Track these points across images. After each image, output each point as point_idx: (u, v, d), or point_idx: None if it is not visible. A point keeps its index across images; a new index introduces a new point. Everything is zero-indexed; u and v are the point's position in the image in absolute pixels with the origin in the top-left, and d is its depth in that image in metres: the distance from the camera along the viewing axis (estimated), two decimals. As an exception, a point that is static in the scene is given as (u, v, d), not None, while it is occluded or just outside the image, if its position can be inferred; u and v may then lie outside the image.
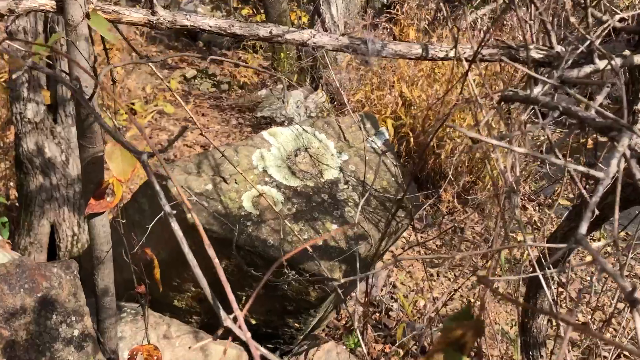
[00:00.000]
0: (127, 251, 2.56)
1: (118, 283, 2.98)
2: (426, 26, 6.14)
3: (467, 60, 1.65)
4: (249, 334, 0.75)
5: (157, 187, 0.76)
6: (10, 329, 1.64)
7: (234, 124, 5.84)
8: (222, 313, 0.80)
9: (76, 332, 1.77)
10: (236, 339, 2.99)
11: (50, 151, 3.75)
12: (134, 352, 1.69)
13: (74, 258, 3.77)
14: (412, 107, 5.38)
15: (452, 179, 4.16)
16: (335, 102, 6.12)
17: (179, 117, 5.83)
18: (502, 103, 1.36)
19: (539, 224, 4.52)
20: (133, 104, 5.57)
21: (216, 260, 0.75)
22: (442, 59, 1.70)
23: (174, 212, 0.90)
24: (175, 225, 0.75)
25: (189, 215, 2.63)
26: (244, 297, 2.87)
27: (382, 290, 3.92)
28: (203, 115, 5.93)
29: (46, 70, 0.77)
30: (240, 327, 0.75)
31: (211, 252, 0.77)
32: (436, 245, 4.28)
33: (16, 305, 1.66)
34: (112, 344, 1.87)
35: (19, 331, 1.65)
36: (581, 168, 1.02)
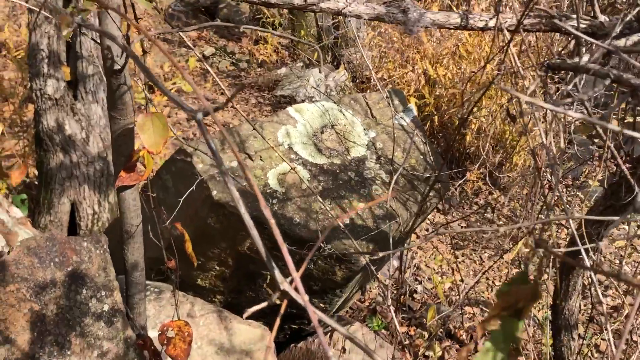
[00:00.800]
0: (152, 228, 2.56)
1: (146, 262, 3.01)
2: (450, 2, 6.09)
3: (509, 30, 1.63)
4: (306, 297, 0.74)
5: (212, 145, 0.76)
6: (40, 303, 1.65)
7: (253, 103, 5.84)
8: (278, 275, 0.79)
9: (106, 307, 1.78)
10: (260, 318, 2.99)
11: (71, 128, 3.77)
12: (165, 328, 1.70)
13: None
14: (436, 86, 5.34)
15: (485, 157, 4.14)
16: (357, 81, 6.09)
17: (198, 95, 5.81)
18: (548, 71, 1.34)
19: (567, 206, 4.49)
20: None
21: (270, 216, 0.75)
22: (482, 29, 1.68)
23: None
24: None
25: (214, 192, 2.63)
26: (268, 277, 2.88)
27: (406, 272, 3.91)
28: (222, 94, 5.93)
29: (96, 27, 0.76)
30: (297, 289, 0.74)
31: (267, 212, 0.77)
32: (462, 227, 4.26)
33: (46, 279, 1.67)
34: (142, 319, 1.88)
35: (49, 305, 1.67)
36: None
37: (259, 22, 7.10)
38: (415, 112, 3.06)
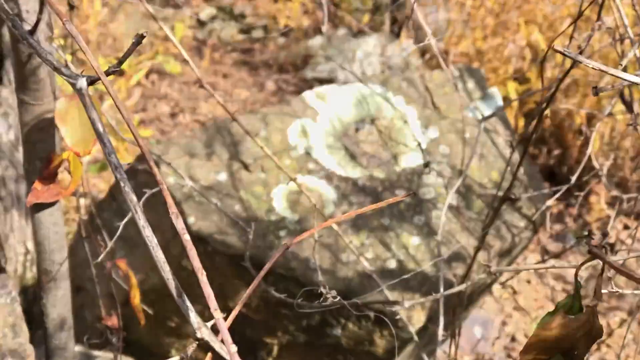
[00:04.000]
0: (99, 273, 2.61)
1: (87, 322, 3.06)
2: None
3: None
4: (234, 348, 0.77)
5: (100, 129, 0.80)
6: None
7: (271, 90, 5.90)
8: (194, 317, 0.83)
9: (14, 384, 1.83)
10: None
11: (-8, 126, 3.86)
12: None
13: (26, 288, 3.87)
14: (542, 67, 5.34)
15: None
16: (429, 56, 6.12)
17: (188, 79, 5.92)
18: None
19: None
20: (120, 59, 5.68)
21: (183, 228, 0.78)
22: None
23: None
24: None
25: (190, 220, 2.68)
26: (275, 347, 2.92)
27: (493, 344, 3.91)
28: (224, 76, 6.01)
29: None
30: (222, 340, 0.77)
31: (178, 222, 0.80)
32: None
33: None
34: (69, 404, 1.93)
35: None
36: None
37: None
38: (500, 100, 3.06)
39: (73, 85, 0.84)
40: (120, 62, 0.82)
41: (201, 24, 6.81)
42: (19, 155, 3.94)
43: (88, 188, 2.62)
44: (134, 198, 0.82)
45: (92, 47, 5.56)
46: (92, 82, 0.84)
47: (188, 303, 0.83)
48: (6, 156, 3.92)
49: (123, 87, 5.29)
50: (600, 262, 0.85)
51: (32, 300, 3.65)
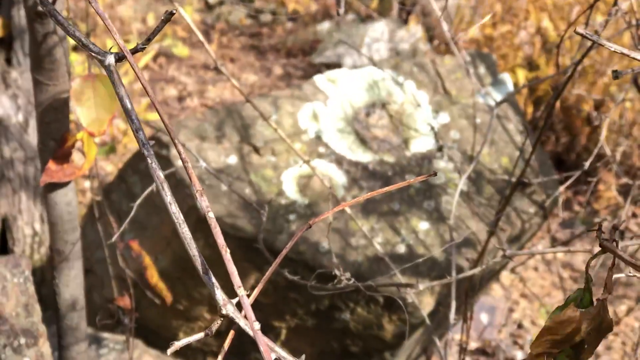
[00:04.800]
0: (112, 254, 2.62)
1: (95, 304, 3.06)
2: None
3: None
4: (257, 325, 0.78)
5: (129, 105, 0.80)
6: None
7: (278, 75, 5.90)
8: (219, 294, 0.83)
9: (27, 363, 1.84)
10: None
11: (2, 107, 3.86)
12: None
13: (34, 269, 3.87)
14: (558, 51, 5.33)
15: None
16: (437, 42, 6.12)
17: (195, 62, 5.92)
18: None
19: None
20: (127, 41, 5.69)
21: (207, 206, 0.79)
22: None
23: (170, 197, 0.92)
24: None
25: (202, 202, 2.68)
26: (283, 331, 2.92)
27: (500, 330, 3.91)
28: (232, 60, 6.01)
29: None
30: (246, 316, 0.77)
31: (203, 201, 0.81)
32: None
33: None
34: (81, 384, 1.93)
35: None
36: None
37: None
38: (510, 85, 3.05)
39: (101, 61, 0.85)
40: (149, 39, 0.82)
41: (209, 7, 6.81)
42: (28, 137, 3.94)
43: (96, 170, 2.62)
44: (161, 175, 0.82)
45: (100, 30, 5.58)
46: (119, 58, 0.85)
47: (213, 279, 0.83)
48: (15, 138, 3.92)
49: (131, 69, 5.30)
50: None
51: (40, 282, 3.66)
